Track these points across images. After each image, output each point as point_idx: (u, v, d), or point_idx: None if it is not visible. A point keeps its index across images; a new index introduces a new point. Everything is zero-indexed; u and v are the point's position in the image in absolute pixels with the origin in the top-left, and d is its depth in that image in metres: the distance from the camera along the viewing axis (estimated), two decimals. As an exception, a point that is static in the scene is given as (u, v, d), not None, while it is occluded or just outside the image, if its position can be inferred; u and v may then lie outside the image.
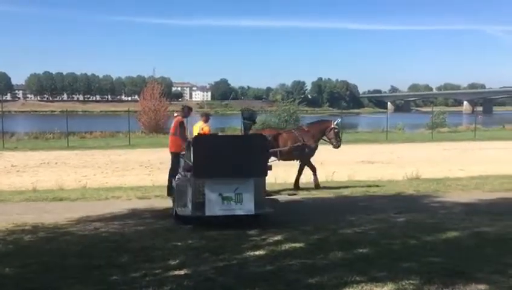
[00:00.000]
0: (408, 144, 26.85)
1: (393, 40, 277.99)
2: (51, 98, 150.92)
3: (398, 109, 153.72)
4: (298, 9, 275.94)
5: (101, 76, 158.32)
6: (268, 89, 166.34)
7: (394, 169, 14.82)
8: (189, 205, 6.96)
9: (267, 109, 47.51)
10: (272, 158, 10.60)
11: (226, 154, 6.91)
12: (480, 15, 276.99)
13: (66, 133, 28.72)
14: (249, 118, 10.35)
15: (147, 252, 5.53)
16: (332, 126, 11.20)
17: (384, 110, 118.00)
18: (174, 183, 7.81)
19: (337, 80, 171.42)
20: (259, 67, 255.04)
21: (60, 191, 10.75)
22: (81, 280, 4.53)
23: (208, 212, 6.77)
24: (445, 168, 15.09)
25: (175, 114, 10.80)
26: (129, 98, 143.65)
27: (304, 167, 11.02)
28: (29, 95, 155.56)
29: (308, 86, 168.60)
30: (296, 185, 10.87)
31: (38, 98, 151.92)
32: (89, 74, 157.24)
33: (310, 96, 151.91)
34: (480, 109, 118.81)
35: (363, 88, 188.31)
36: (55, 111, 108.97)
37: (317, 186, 10.88)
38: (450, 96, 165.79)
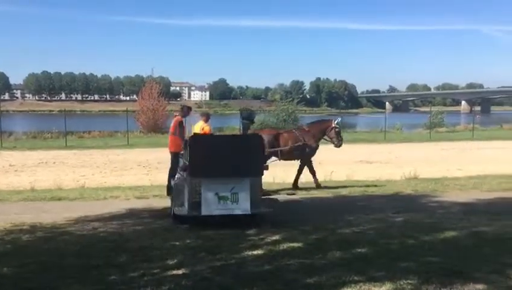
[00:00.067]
0: (406, 143, 26.87)
1: (392, 40, 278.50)
2: (49, 98, 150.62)
3: (396, 108, 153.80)
4: (297, 9, 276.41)
5: (99, 76, 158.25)
6: (267, 89, 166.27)
7: (392, 169, 14.83)
8: (186, 205, 6.97)
9: (265, 109, 47.48)
10: (273, 158, 10.62)
11: (222, 153, 6.92)
12: (478, 15, 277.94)
13: (64, 132, 28.64)
14: (248, 117, 10.35)
15: (145, 252, 5.53)
16: (333, 125, 11.21)
17: (383, 110, 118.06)
18: (172, 183, 7.81)
19: (335, 80, 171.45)
20: (258, 67, 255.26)
21: (58, 190, 10.74)
22: (79, 280, 4.53)
23: (204, 212, 6.78)
24: (443, 168, 15.11)
25: (175, 114, 10.80)
26: (127, 98, 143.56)
27: (304, 167, 11.02)
28: (27, 95, 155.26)
29: (307, 86, 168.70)
30: (295, 185, 10.87)
31: (37, 98, 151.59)
32: (87, 73, 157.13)
33: (308, 96, 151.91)
34: (478, 108, 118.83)
35: (361, 88, 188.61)
36: (53, 111, 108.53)
37: (318, 186, 10.89)
38: (448, 96, 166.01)
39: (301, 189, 10.72)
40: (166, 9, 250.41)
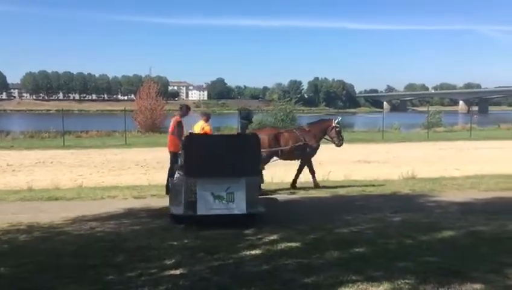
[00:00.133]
0: (404, 143, 26.91)
1: (390, 39, 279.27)
2: (46, 97, 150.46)
3: (394, 108, 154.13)
4: (297, 9, 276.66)
5: (97, 75, 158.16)
6: (265, 89, 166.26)
7: (390, 168, 14.85)
8: (182, 204, 6.97)
9: (263, 109, 47.47)
10: (274, 157, 10.63)
11: (218, 153, 6.92)
12: (476, 15, 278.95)
13: (61, 132, 28.62)
14: (246, 117, 10.34)
15: (142, 252, 5.51)
16: (334, 125, 11.21)
17: (381, 110, 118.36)
18: (170, 182, 7.80)
19: (333, 80, 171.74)
20: (256, 67, 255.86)
21: (56, 190, 10.71)
22: (76, 280, 4.52)
23: (199, 211, 6.77)
24: (441, 167, 15.14)
25: (175, 114, 10.80)
26: (125, 97, 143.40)
27: (303, 167, 11.01)
28: (24, 94, 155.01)
29: (305, 86, 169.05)
30: (294, 185, 10.87)
31: (34, 97, 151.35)
32: (85, 73, 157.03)
33: (306, 96, 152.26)
34: (475, 108, 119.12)
35: (359, 88, 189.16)
36: (50, 110, 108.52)
37: (316, 185, 10.89)
38: (446, 96, 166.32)
39: (299, 189, 10.71)
40: (164, 9, 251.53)
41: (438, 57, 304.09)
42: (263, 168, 10.40)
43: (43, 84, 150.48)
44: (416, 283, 4.30)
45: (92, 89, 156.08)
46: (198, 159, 6.91)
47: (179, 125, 9.72)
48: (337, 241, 5.94)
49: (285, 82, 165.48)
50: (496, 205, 8.72)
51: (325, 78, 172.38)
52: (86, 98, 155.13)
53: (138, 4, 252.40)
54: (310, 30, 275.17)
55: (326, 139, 11.40)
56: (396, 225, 7.06)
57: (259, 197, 7.61)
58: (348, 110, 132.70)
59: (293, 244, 5.80)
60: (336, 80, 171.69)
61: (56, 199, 9.55)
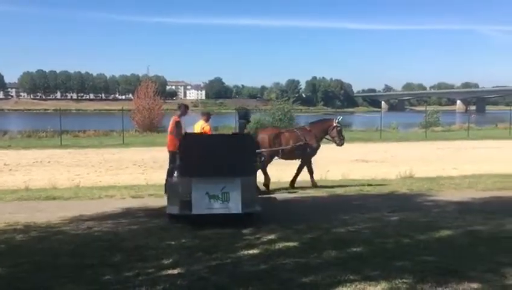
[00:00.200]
0: (402, 143, 26.95)
1: (388, 39, 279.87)
2: (44, 97, 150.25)
3: (392, 108, 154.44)
4: (296, 9, 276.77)
5: (94, 74, 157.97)
6: (263, 88, 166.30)
7: (388, 168, 14.87)
8: (177, 204, 6.96)
9: (261, 108, 47.50)
10: (275, 157, 10.64)
11: (213, 153, 6.94)
12: (474, 15, 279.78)
13: (59, 131, 28.55)
14: (244, 116, 10.34)
15: (140, 251, 5.50)
16: (335, 124, 11.21)
17: (379, 109, 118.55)
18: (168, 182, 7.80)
19: (331, 79, 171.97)
20: (255, 66, 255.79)
21: (53, 190, 10.68)
22: (74, 279, 4.50)
23: (194, 211, 6.77)
24: (439, 167, 15.17)
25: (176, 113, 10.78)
26: (123, 97, 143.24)
27: (303, 167, 11.01)
28: (22, 93, 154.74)
29: (303, 85, 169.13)
30: (292, 184, 10.86)
31: (32, 97, 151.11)
32: (83, 72, 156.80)
33: (304, 95, 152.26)
34: (473, 108, 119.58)
35: (357, 87, 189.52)
36: (48, 109, 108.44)
37: (314, 185, 10.89)
38: (444, 96, 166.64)
39: (297, 188, 10.71)
40: (162, 8, 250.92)
41: (435, 57, 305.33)
42: (266, 168, 10.45)
43: (41, 84, 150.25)
44: (413, 282, 4.30)
45: (89, 88, 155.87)
46: (193, 158, 6.91)
47: (178, 125, 9.72)
48: (335, 240, 5.94)
49: (283, 81, 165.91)
50: (493, 205, 8.74)
51: (323, 77, 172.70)
52: (84, 98, 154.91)
53: (136, 4, 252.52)
54: (308, 30, 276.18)
55: (327, 139, 11.40)
56: (394, 224, 7.06)
57: (257, 196, 7.60)
58: (346, 109, 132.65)
59: (291, 243, 5.80)
60: (334, 79, 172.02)
61: (53, 199, 9.53)
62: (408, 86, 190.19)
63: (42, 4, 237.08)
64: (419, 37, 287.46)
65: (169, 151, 9.56)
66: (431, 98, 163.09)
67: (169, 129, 9.90)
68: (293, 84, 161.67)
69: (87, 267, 4.86)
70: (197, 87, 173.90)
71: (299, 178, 11.06)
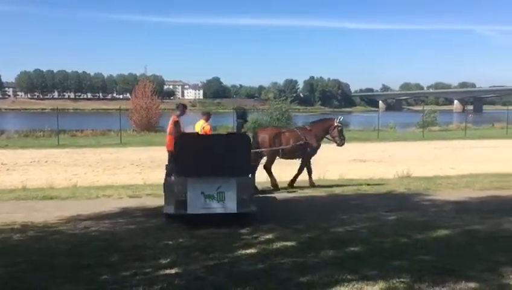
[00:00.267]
0: (399, 142, 26.99)
1: (386, 39, 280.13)
2: (41, 96, 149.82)
3: (389, 107, 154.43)
4: (295, 9, 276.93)
5: (92, 74, 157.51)
6: (261, 88, 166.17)
7: (385, 167, 14.89)
8: (173, 203, 6.97)
9: (259, 108, 47.48)
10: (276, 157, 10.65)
11: (209, 153, 6.94)
12: (471, 15, 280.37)
13: (56, 131, 28.50)
14: (241, 116, 10.34)
15: (137, 251, 5.49)
16: (336, 124, 11.20)
17: (376, 109, 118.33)
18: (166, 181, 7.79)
19: (329, 79, 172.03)
20: (253, 66, 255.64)
21: (50, 189, 10.66)
22: (71, 279, 4.49)
23: (190, 211, 6.77)
24: (436, 166, 15.20)
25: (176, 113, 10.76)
26: (121, 96, 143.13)
27: (304, 167, 11.00)
28: (19, 93, 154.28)
29: (300, 85, 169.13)
30: (291, 184, 10.86)
31: (29, 96, 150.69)
32: (80, 71, 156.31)
33: (302, 95, 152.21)
34: (470, 107, 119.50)
35: (354, 87, 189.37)
36: (45, 109, 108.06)
37: (312, 185, 10.89)
38: (441, 95, 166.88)
39: (296, 188, 10.72)
40: (161, 8, 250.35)
41: (433, 57, 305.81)
42: (271, 168, 10.46)
43: (38, 83, 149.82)
44: (411, 281, 4.30)
45: (87, 87, 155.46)
46: (189, 158, 6.92)
47: (177, 124, 9.70)
48: (333, 240, 5.95)
49: (281, 81, 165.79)
50: (490, 204, 8.76)
51: (321, 77, 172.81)
52: (81, 97, 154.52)
53: (134, 3, 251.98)
54: (307, 29, 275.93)
55: (328, 139, 11.39)
56: (391, 223, 7.07)
57: (254, 196, 7.60)
58: (343, 109, 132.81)
59: (289, 243, 5.80)
60: (331, 79, 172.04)
61: (50, 198, 9.51)
62: (405, 86, 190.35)
63: (41, 4, 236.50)
64: (417, 37, 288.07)
65: (169, 151, 9.54)
66: (428, 97, 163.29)
67: (168, 129, 9.87)
68: (291, 84, 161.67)
69: (84, 267, 4.85)
70: (194, 87, 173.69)
71: (299, 178, 11.05)
